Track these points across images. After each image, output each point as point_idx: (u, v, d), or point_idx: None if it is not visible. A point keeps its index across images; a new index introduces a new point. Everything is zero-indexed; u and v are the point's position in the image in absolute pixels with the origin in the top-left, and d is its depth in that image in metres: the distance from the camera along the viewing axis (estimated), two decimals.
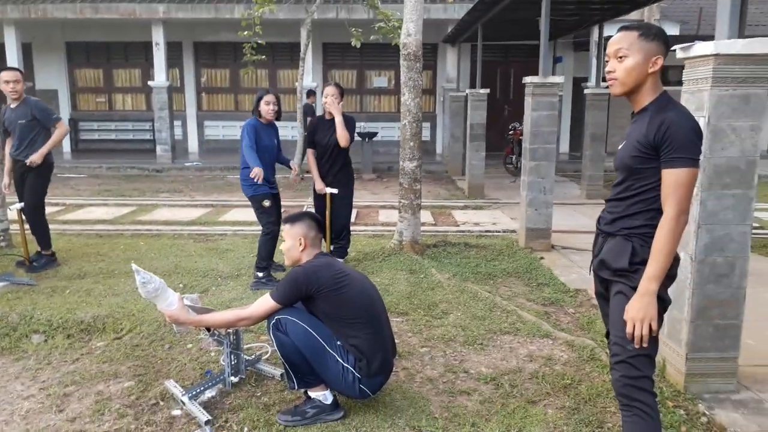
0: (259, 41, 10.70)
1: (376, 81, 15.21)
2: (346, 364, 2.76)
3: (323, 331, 2.79)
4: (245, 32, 10.49)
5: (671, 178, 2.03)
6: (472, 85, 11.15)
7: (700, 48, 2.94)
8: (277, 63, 15.17)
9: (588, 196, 9.62)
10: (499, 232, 7.39)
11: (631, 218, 2.18)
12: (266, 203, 4.98)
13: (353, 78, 15.45)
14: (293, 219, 3.00)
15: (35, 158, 5.25)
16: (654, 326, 2.05)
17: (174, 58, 14.76)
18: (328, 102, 5.15)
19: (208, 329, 3.09)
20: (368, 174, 12.40)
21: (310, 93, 12.66)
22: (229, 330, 3.20)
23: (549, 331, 3.99)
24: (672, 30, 12.63)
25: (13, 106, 5.35)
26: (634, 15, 11.43)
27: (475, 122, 9.90)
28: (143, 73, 15.49)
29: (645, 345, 2.08)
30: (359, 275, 3.03)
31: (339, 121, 5.11)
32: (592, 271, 2.44)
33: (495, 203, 9.48)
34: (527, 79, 6.08)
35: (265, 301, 2.81)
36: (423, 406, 3.00)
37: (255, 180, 4.79)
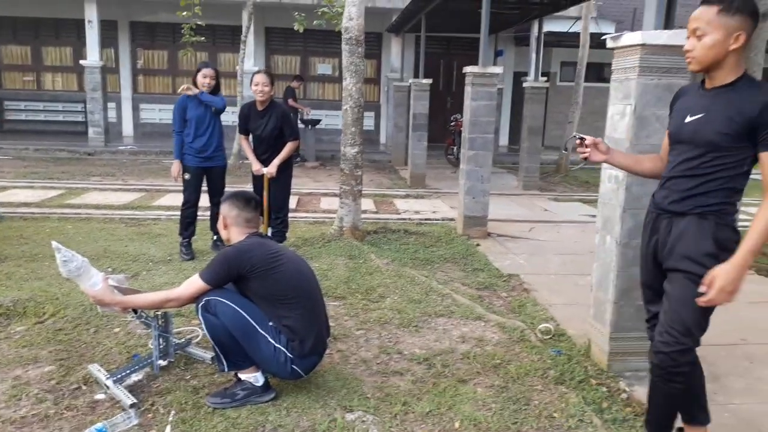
0: (199, 22, 10.39)
1: (320, 68, 15.06)
2: (278, 345, 2.73)
3: (255, 311, 2.74)
4: (184, 12, 10.17)
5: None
6: (416, 76, 11.20)
7: (629, 38, 3.05)
8: (219, 45, 14.79)
9: (525, 187, 9.87)
10: (438, 220, 7.49)
11: (706, 196, 2.11)
12: (186, 176, 5.14)
13: (296, 64, 15.25)
14: (227, 197, 2.97)
15: None
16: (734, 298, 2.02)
17: (109, 38, 14.14)
18: (257, 92, 5.01)
19: (135, 311, 2.99)
20: (311, 162, 12.29)
21: (298, 78, 12.82)
22: (157, 312, 3.10)
23: (482, 314, 4.07)
24: (608, 29, 13.08)
25: None
26: (572, 11, 11.75)
27: (418, 112, 9.96)
28: (75, 51, 14.77)
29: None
30: (294, 255, 3.00)
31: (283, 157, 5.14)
32: (647, 258, 2.33)
33: (436, 192, 9.60)
34: (467, 69, 6.15)
35: (194, 282, 2.74)
36: (356, 386, 3.01)
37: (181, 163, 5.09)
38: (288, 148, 5.11)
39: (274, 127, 5.05)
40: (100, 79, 12.88)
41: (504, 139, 15.91)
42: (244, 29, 10.85)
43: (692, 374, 2.22)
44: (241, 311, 2.70)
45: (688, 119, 2.17)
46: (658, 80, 3.03)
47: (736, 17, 2.01)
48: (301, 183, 10.23)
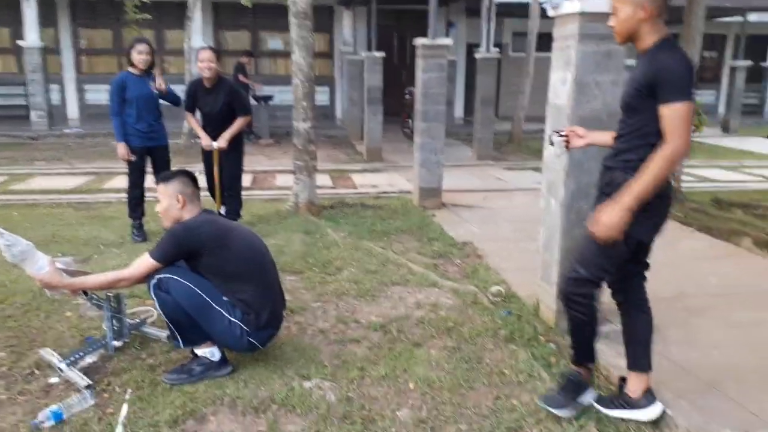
0: None
1: (271, 43, 14.78)
2: (233, 319, 2.75)
3: (208, 287, 2.75)
4: None
5: (667, 112, 2.19)
6: (370, 49, 11.13)
7: (568, 6, 3.13)
8: (165, 22, 14.31)
9: (479, 157, 10.01)
10: (395, 193, 7.55)
11: (629, 152, 2.35)
12: (131, 157, 5.03)
13: (247, 40, 14.92)
14: (167, 177, 2.89)
15: None
16: (612, 237, 2.30)
17: (48, 17, 13.53)
18: (204, 68, 4.90)
19: (86, 293, 2.96)
20: (266, 139, 12.14)
21: (248, 53, 12.53)
22: (109, 294, 3.07)
23: (436, 281, 4.17)
24: None
25: None
26: None
27: (372, 86, 9.93)
28: (13, 32, 14.08)
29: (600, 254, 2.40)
30: (246, 231, 3.01)
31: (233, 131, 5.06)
32: (594, 206, 2.53)
33: (392, 166, 9.63)
34: (418, 41, 6.17)
35: (145, 261, 2.72)
36: (313, 355, 3.06)
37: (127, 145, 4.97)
38: (239, 123, 5.05)
39: (223, 103, 4.98)
40: (41, 61, 12.36)
41: (459, 111, 16.01)
42: (189, 5, 10.55)
43: (588, 307, 2.51)
44: (194, 287, 2.71)
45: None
46: (596, 47, 3.12)
47: None
48: (255, 161, 10.12)
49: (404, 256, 4.77)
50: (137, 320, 3.34)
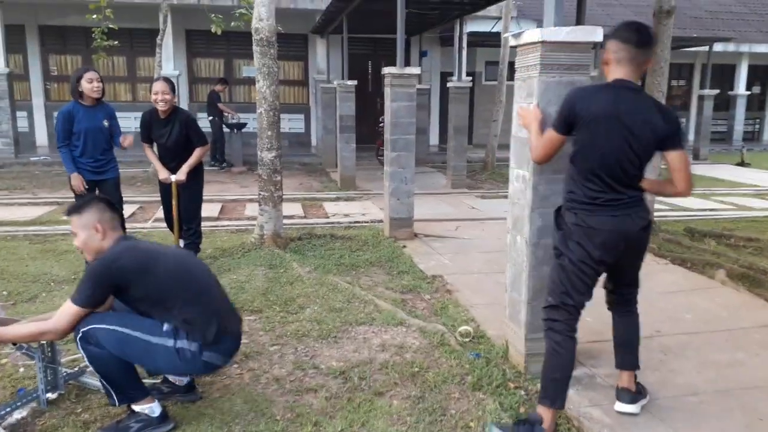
0: (111, 26, 9.87)
1: (245, 70, 14.67)
2: (179, 345, 2.51)
3: (141, 323, 2.51)
4: (94, 16, 9.63)
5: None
6: (343, 78, 11.06)
7: (529, 35, 3.02)
8: (137, 49, 14.16)
9: (453, 185, 9.91)
10: (367, 222, 7.38)
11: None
12: (85, 187, 4.74)
13: (220, 67, 14.80)
14: (78, 208, 2.62)
15: None
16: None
17: (16, 43, 13.29)
18: (158, 101, 4.69)
19: (14, 342, 2.71)
20: (238, 167, 11.95)
21: (222, 81, 12.38)
22: (42, 341, 2.83)
23: (403, 319, 3.98)
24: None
25: None
26: (494, 11, 11.91)
27: (345, 114, 9.82)
28: None
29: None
30: (173, 249, 2.79)
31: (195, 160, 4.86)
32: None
33: (366, 194, 9.49)
34: (385, 70, 6.06)
35: (67, 309, 2.47)
36: (265, 408, 2.84)
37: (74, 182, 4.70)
38: (197, 154, 4.85)
39: (179, 134, 4.78)
40: (7, 87, 12.08)
41: (434, 139, 16.00)
42: (160, 32, 10.40)
43: (562, 338, 2.63)
44: (125, 330, 2.47)
45: None
46: (560, 77, 3.01)
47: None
48: (226, 189, 9.93)
49: (372, 291, 4.57)
50: (75, 369, 3.08)
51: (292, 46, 14.55)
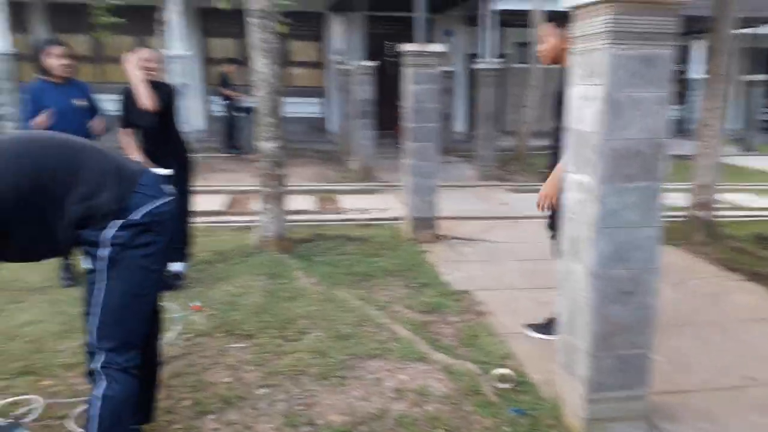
0: (115, 1, 9.23)
1: None
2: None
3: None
4: None
5: None
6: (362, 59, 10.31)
7: None
8: (147, 29, 13.53)
9: (481, 177, 9.13)
10: (386, 220, 6.66)
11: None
12: None
13: (236, 47, 14.09)
14: None
15: None
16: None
17: (21, 21, 12.72)
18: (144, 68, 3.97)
19: None
20: (251, 153, 11.28)
21: (232, 61, 11.63)
22: None
23: (425, 353, 3.25)
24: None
25: None
26: None
27: (363, 98, 9.07)
28: None
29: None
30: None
31: (139, 87, 3.92)
32: None
33: (387, 186, 8.74)
34: (404, 47, 5.28)
35: None
36: None
37: None
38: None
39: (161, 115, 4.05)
40: (13, 68, 11.52)
41: (460, 125, 15.14)
42: (165, 10, 9.72)
43: None
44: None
45: None
46: (636, 50, 2.23)
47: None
48: (237, 179, 9.29)
49: (387, 311, 3.85)
50: (7, 421, 2.42)
51: (307, 25, 13.76)
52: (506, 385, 2.90)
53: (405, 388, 2.90)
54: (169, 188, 2.19)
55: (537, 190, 3.30)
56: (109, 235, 1.93)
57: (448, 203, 6.65)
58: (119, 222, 1.94)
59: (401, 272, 4.68)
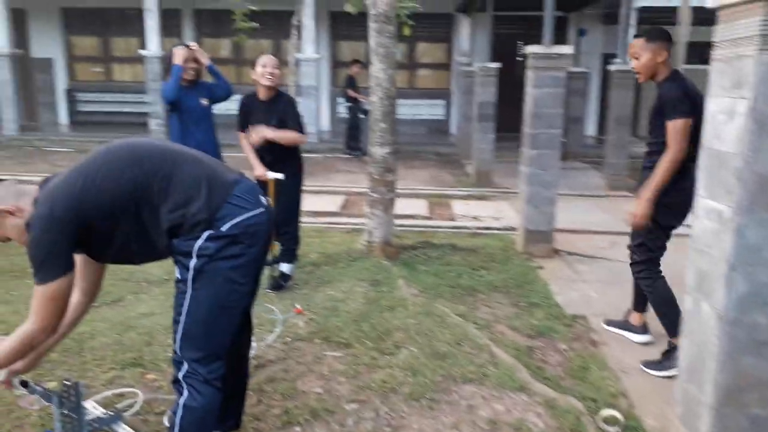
0: (252, 7, 9.75)
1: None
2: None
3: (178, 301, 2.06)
4: None
5: (669, 126, 3.00)
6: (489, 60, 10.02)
7: None
8: (282, 33, 14.18)
9: (610, 186, 8.48)
10: (498, 229, 6.40)
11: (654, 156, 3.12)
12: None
13: (363, 50, 14.36)
14: None
15: None
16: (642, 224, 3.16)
17: (171, 26, 13.87)
18: (265, 74, 4.08)
19: (25, 384, 2.21)
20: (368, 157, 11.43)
21: (357, 63, 11.78)
22: (66, 381, 2.30)
23: (526, 382, 3.01)
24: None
25: None
26: None
27: (484, 100, 8.80)
28: (141, 42, 14.64)
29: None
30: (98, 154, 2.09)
31: (279, 136, 4.13)
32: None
33: (504, 192, 8.42)
34: (528, 49, 5.00)
35: (38, 293, 1.91)
36: None
37: None
38: (291, 134, 4.16)
39: (279, 122, 4.14)
40: (160, 69, 12.59)
41: (591, 129, 14.30)
42: (296, 12, 10.10)
43: (654, 285, 3.24)
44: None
45: None
46: None
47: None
48: (354, 180, 9.41)
49: (489, 331, 3.65)
50: (107, 413, 2.55)
51: (434, 27, 13.69)
52: (613, 429, 2.60)
53: (499, 420, 2.70)
54: (266, 200, 2.18)
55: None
56: (196, 246, 1.94)
57: (569, 214, 6.24)
58: (208, 233, 1.94)
59: (509, 289, 4.43)
